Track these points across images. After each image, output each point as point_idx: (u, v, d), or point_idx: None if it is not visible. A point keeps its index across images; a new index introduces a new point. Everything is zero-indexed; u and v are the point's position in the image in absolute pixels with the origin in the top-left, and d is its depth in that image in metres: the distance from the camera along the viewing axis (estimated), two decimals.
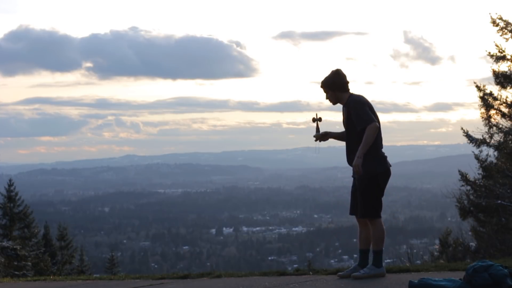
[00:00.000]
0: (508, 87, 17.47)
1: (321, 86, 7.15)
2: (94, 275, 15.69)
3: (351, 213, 7.25)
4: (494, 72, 17.51)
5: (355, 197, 7.14)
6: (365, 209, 6.99)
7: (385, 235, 7.08)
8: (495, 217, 17.02)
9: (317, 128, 7.36)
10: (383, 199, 7.10)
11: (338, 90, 7.07)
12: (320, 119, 7.37)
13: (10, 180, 33.05)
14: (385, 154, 7.11)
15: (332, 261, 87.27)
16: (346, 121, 7.09)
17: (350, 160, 7.07)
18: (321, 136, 7.36)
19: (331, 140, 7.46)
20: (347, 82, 7.10)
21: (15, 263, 25.10)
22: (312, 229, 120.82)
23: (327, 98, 7.16)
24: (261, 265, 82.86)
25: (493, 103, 17.45)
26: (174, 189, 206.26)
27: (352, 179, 7.23)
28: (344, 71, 7.16)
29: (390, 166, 7.12)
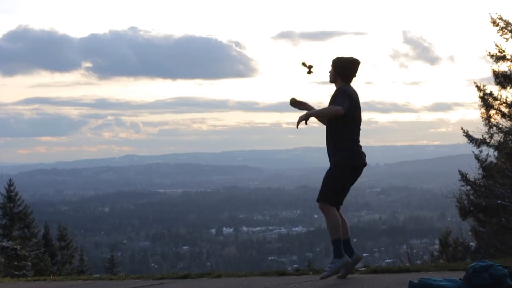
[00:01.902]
0: (508, 87, 17.49)
1: (332, 60, 7.12)
2: (94, 275, 15.69)
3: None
4: (494, 72, 17.53)
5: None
6: (320, 193, 6.93)
7: (339, 222, 6.90)
8: (495, 217, 17.03)
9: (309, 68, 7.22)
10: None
11: (339, 75, 7.06)
12: (310, 67, 7.23)
13: (10, 180, 33.08)
14: (362, 151, 7.05)
15: None
16: (329, 102, 7.08)
17: (328, 146, 7.09)
18: (299, 104, 7.25)
19: (318, 122, 7.38)
20: (352, 76, 7.07)
21: (15, 263, 25.13)
22: (312, 229, 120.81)
23: (329, 72, 7.15)
24: (261, 265, 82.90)
25: (493, 103, 17.47)
26: (174, 189, 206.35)
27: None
28: (361, 67, 7.12)
29: (365, 165, 7.05)
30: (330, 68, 7.16)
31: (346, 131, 6.93)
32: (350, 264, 7.11)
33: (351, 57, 7.11)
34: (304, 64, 7.25)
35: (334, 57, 7.14)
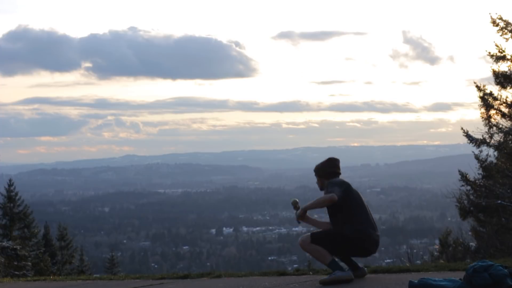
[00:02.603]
0: (508, 87, 17.48)
1: (314, 171, 7.34)
2: (94, 275, 15.69)
3: None
4: (494, 72, 17.52)
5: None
6: (318, 237, 6.96)
7: (321, 249, 6.95)
8: (495, 217, 17.02)
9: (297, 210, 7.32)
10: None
11: (326, 178, 7.19)
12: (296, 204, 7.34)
13: (10, 180, 33.07)
14: (376, 239, 6.98)
15: None
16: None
17: (333, 223, 7.14)
18: (301, 216, 7.29)
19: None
20: (337, 172, 7.21)
21: (15, 263, 25.12)
22: (312, 229, 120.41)
23: (316, 182, 7.33)
24: (261, 265, 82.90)
25: (493, 103, 17.45)
26: (174, 189, 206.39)
27: None
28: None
29: (372, 252, 6.98)
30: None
31: (353, 220, 6.92)
32: (358, 275, 7.12)
33: (328, 159, 7.31)
34: (295, 204, 7.34)
35: (314, 168, 7.32)
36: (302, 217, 7.08)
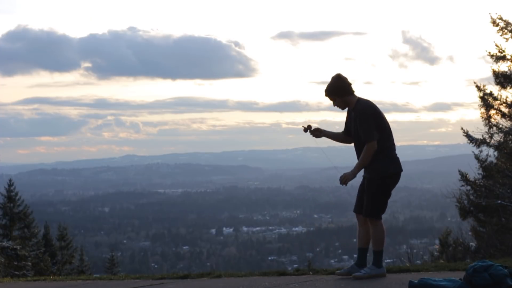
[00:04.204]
0: (508, 87, 17.47)
1: (326, 95, 7.08)
2: (94, 275, 15.68)
3: (355, 210, 7.24)
4: (494, 72, 17.51)
5: (362, 196, 7.14)
6: (370, 209, 6.98)
7: (385, 235, 7.08)
8: (495, 217, 17.01)
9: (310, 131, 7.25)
10: (389, 201, 7.10)
11: (345, 95, 7.02)
12: (309, 128, 7.24)
13: (10, 180, 33.04)
14: (397, 156, 7.08)
15: (332, 261, 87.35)
16: (354, 128, 7.05)
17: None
18: (313, 131, 7.22)
19: (330, 140, 7.42)
20: (350, 84, 7.06)
21: (15, 263, 25.10)
22: (312, 229, 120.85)
23: (335, 105, 7.09)
24: (261, 265, 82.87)
25: (493, 103, 17.45)
26: (174, 189, 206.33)
27: (361, 178, 7.22)
28: (343, 73, 7.13)
29: (402, 170, 7.09)
30: (331, 101, 7.10)
31: (378, 145, 6.93)
32: (351, 272, 7.17)
33: (332, 77, 7.08)
34: (304, 129, 7.23)
35: (326, 92, 7.07)
36: (349, 180, 6.96)
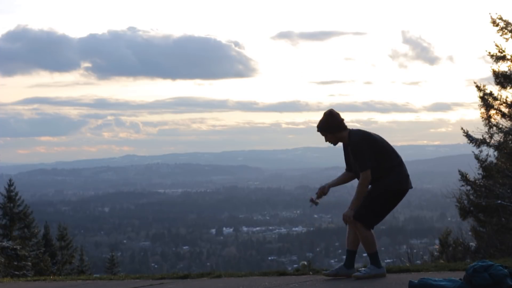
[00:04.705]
0: (508, 87, 17.48)
1: (318, 131, 7.09)
2: (94, 275, 15.68)
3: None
4: (494, 72, 17.52)
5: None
6: (363, 214, 6.95)
7: (374, 236, 7.05)
8: (495, 217, 17.01)
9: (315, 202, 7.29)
10: (386, 218, 7.10)
11: (336, 132, 7.03)
12: (316, 204, 7.28)
13: (10, 180, 33.06)
14: (408, 173, 7.06)
15: (332, 261, 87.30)
16: (353, 162, 7.07)
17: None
18: (319, 195, 7.26)
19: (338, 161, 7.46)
20: (342, 120, 7.05)
21: (15, 263, 25.13)
22: (312, 229, 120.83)
23: (326, 140, 7.11)
24: (261, 265, 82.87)
25: (493, 103, 17.46)
26: (174, 189, 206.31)
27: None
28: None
29: (411, 187, 7.07)
30: (324, 137, 7.09)
31: (383, 166, 6.92)
32: (343, 274, 7.18)
33: (324, 113, 7.08)
34: (313, 201, 7.27)
35: (318, 128, 7.07)
36: (351, 216, 6.95)
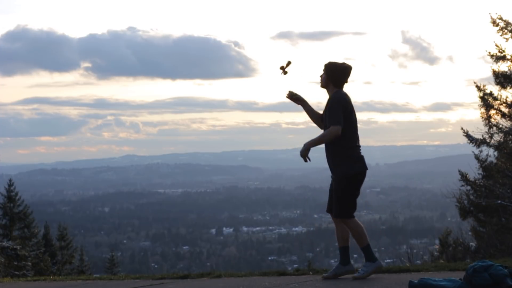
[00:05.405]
0: (508, 87, 17.48)
1: (324, 65, 7.11)
2: (94, 275, 15.68)
3: (328, 210, 7.28)
4: (494, 72, 17.51)
5: (332, 196, 7.16)
6: (340, 210, 7.01)
7: (363, 227, 7.04)
8: (495, 217, 17.01)
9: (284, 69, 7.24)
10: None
11: (331, 80, 7.05)
12: (288, 65, 7.24)
13: (10, 180, 33.07)
14: (362, 154, 7.08)
15: (332, 261, 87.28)
16: (324, 115, 7.10)
17: (328, 158, 7.13)
18: (293, 95, 7.27)
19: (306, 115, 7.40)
20: (344, 82, 7.07)
21: (15, 263, 25.13)
22: (312, 229, 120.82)
23: (320, 76, 7.15)
24: (261, 265, 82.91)
25: (493, 103, 17.45)
26: (174, 189, 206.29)
27: (330, 178, 7.23)
28: (361, 67, 7.12)
29: (366, 169, 7.08)
30: (322, 72, 7.15)
31: (344, 142, 6.93)
32: (342, 272, 7.18)
33: (344, 63, 7.12)
34: (282, 67, 7.28)
35: (327, 62, 7.13)
36: (306, 155, 6.93)
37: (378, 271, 7.08)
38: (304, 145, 6.92)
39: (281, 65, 7.32)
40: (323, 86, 7.16)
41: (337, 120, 6.81)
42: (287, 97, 7.33)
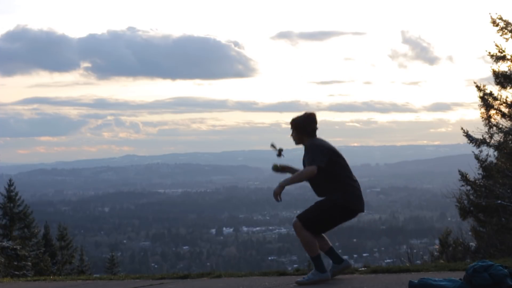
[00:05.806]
0: (508, 87, 17.48)
1: (290, 123, 7.12)
2: (94, 275, 15.69)
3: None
4: (494, 72, 17.51)
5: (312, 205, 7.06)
6: (307, 216, 6.86)
7: (315, 240, 6.89)
8: (495, 217, 17.01)
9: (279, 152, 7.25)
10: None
11: (303, 134, 7.02)
12: (280, 151, 7.23)
13: (10, 180, 33.08)
14: (361, 196, 6.94)
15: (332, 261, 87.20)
16: (304, 160, 7.02)
17: (317, 193, 7.04)
18: (278, 169, 7.33)
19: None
20: (314, 129, 7.01)
21: (15, 263, 25.14)
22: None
23: (291, 135, 7.12)
24: (261, 265, 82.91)
25: (493, 103, 17.45)
26: (174, 189, 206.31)
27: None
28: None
29: (362, 211, 6.93)
30: (291, 132, 7.12)
31: (333, 181, 6.83)
32: (339, 270, 7.16)
33: (305, 113, 7.09)
34: (273, 146, 7.28)
35: (290, 120, 7.11)
36: (279, 194, 6.87)
37: (323, 282, 6.86)
38: (279, 183, 6.87)
39: (278, 150, 7.25)
40: (298, 143, 7.12)
41: (312, 160, 6.73)
42: (272, 170, 7.35)
